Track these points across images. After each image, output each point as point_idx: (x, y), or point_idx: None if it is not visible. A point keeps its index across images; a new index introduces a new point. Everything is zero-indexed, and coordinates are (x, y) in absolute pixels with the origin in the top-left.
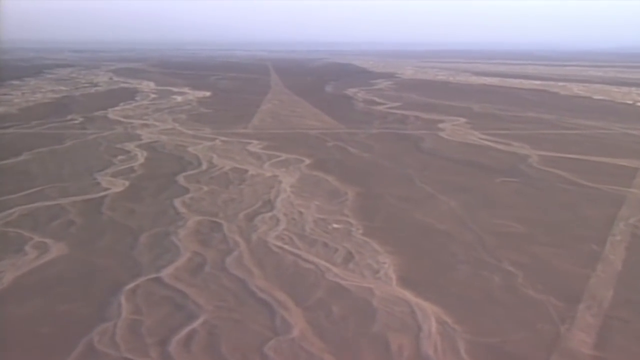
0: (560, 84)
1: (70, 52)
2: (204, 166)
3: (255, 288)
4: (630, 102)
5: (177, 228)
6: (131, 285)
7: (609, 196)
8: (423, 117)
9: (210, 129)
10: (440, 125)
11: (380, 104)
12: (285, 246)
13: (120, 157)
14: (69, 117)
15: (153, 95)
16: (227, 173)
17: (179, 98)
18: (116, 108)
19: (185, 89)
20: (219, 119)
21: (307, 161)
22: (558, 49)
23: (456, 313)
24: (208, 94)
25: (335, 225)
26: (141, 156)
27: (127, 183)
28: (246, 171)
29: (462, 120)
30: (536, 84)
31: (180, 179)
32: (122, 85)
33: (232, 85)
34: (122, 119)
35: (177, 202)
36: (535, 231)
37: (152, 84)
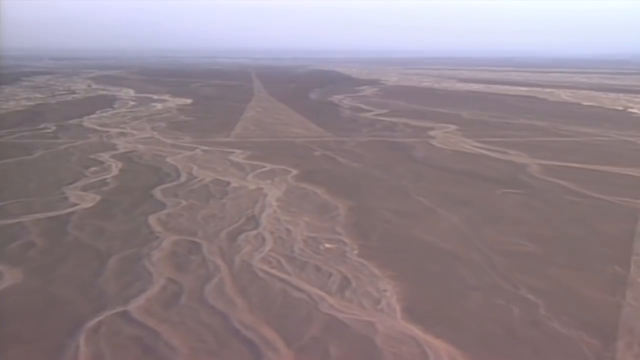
0: (547, 90)
1: (50, 59)
2: (183, 178)
3: (238, 324)
4: (621, 108)
5: (151, 250)
6: (93, 322)
7: (621, 209)
8: (412, 124)
9: (190, 137)
10: (431, 133)
11: (367, 111)
12: (273, 270)
13: (92, 169)
14: (42, 125)
15: (132, 103)
16: (208, 185)
17: (159, 105)
18: (92, 116)
19: (166, 97)
20: (199, 127)
21: (294, 172)
22: (537, 56)
23: (474, 354)
24: (189, 101)
25: (327, 245)
26: (115, 167)
27: (98, 198)
28: (228, 183)
29: (453, 127)
30: (523, 90)
31: (157, 192)
32: (101, 92)
33: (214, 93)
34: (97, 128)
35: (152, 219)
36: (548, 250)
37: (131, 92)
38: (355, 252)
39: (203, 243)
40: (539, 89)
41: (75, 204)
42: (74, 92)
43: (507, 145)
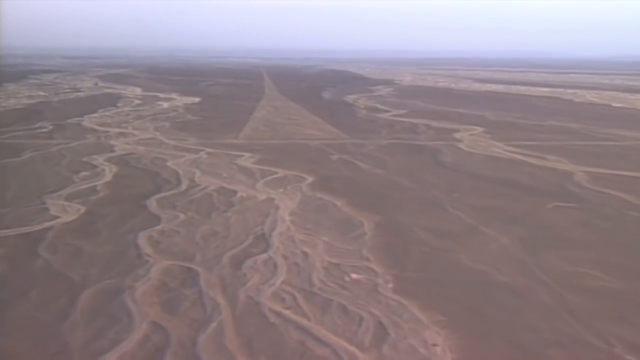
0: (570, 91)
1: (62, 58)
2: (184, 186)
3: None
4: None
5: (136, 280)
6: None
7: None
8: (434, 125)
9: (195, 139)
10: (457, 135)
11: (384, 111)
12: (287, 312)
13: (83, 174)
14: (38, 124)
15: (137, 102)
16: (211, 195)
17: (165, 104)
18: (94, 115)
19: (173, 95)
20: (206, 127)
21: (309, 179)
22: (551, 57)
23: None
24: (197, 100)
25: (354, 276)
26: (109, 172)
27: (82, 209)
28: (235, 192)
29: (479, 129)
30: (545, 91)
31: (152, 203)
32: (106, 91)
33: (223, 91)
34: (97, 127)
35: (142, 238)
36: (635, 286)
37: (138, 90)
38: (390, 285)
39: (201, 271)
40: (561, 89)
41: (54, 217)
42: (78, 90)
43: (542, 150)
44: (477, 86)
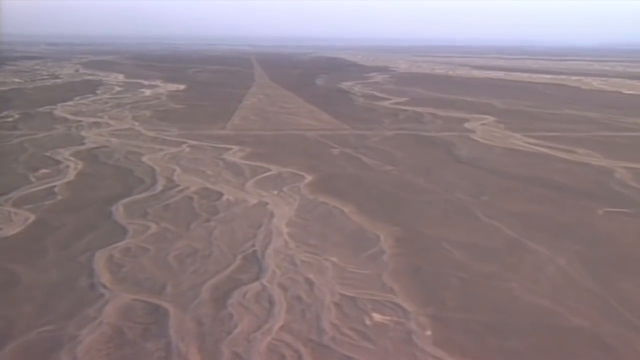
0: (574, 77)
1: (47, 45)
2: (160, 186)
3: None
4: None
5: (81, 326)
6: None
7: None
8: (440, 114)
9: (177, 129)
10: (467, 125)
11: (383, 99)
12: None
13: (42, 171)
14: (4, 113)
15: (118, 89)
16: (192, 198)
17: (148, 92)
18: (68, 103)
19: (158, 82)
20: (190, 116)
21: (308, 178)
22: (542, 45)
23: None
24: (182, 87)
25: (377, 317)
26: (73, 169)
27: (31, 218)
28: (220, 195)
29: (490, 118)
30: (547, 78)
31: (119, 209)
32: (87, 77)
33: (212, 78)
34: (69, 116)
35: (99, 260)
36: None
37: (121, 77)
38: (428, 333)
39: (171, 311)
40: (564, 76)
41: None
42: (57, 77)
43: (567, 142)
44: (476, 73)
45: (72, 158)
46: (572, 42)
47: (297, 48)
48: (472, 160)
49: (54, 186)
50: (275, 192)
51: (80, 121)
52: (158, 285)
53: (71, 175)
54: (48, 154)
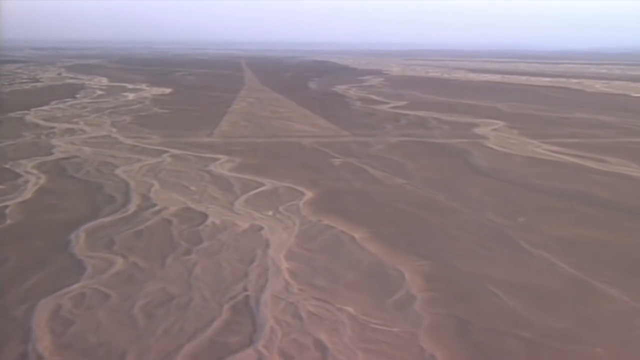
0: (575, 80)
1: (32, 49)
2: (133, 206)
3: None
4: None
5: None
6: None
7: None
8: (446, 119)
9: (159, 136)
10: (477, 131)
11: (381, 102)
12: None
13: None
14: None
15: (100, 92)
16: (170, 222)
17: (131, 95)
18: (43, 107)
19: (142, 86)
20: (175, 122)
21: (309, 194)
22: (533, 49)
23: None
24: (168, 90)
25: None
26: (33, 185)
27: None
28: (205, 217)
29: (500, 123)
30: (547, 81)
31: (79, 238)
32: (69, 81)
33: (199, 82)
34: (41, 122)
35: (40, 314)
36: None
37: (104, 80)
38: None
39: None
40: (563, 79)
41: None
42: (37, 81)
43: (591, 149)
44: (473, 76)
45: (34, 171)
46: (563, 45)
47: (285, 52)
48: (493, 172)
49: (5, 207)
50: (270, 212)
51: (52, 128)
52: (114, 356)
53: (29, 193)
54: (8, 165)
